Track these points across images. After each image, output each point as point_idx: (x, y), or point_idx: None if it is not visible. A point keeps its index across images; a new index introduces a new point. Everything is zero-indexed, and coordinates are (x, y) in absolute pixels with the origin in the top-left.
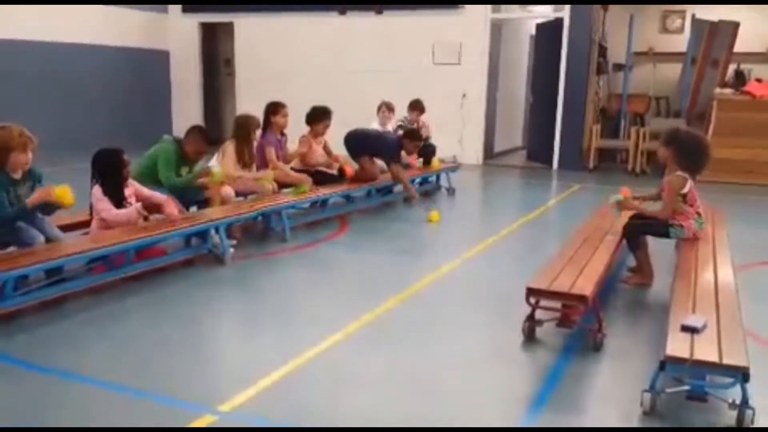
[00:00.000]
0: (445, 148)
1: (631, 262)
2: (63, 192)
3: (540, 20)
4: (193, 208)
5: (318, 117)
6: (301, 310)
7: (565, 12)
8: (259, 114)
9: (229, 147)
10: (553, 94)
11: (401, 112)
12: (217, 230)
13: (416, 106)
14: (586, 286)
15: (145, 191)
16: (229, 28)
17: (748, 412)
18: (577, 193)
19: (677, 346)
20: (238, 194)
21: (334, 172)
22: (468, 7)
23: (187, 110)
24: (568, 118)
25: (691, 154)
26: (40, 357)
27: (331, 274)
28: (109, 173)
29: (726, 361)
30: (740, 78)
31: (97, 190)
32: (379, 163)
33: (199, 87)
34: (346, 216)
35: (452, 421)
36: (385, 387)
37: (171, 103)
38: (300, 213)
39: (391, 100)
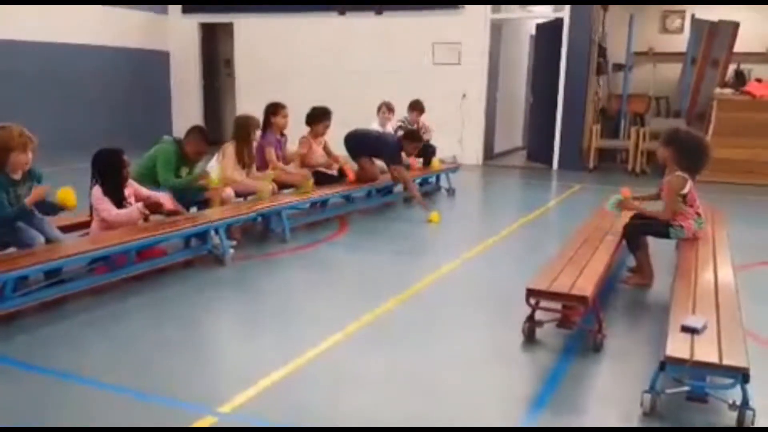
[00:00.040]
0: (445, 149)
1: (631, 262)
2: (66, 194)
3: (540, 20)
4: (193, 209)
5: (318, 117)
6: (301, 311)
7: (565, 12)
8: (259, 114)
9: (229, 148)
10: (553, 94)
11: (401, 112)
12: (217, 231)
13: (416, 107)
14: (586, 286)
15: (144, 191)
16: (228, 28)
17: (749, 413)
18: (577, 194)
19: (677, 346)
20: (238, 195)
21: (334, 172)
22: (468, 7)
23: (187, 111)
24: (568, 118)
25: (690, 155)
26: (40, 358)
27: (331, 274)
28: (109, 173)
29: (726, 361)
30: (740, 78)
31: (97, 190)
32: (379, 163)
33: (199, 87)
34: (346, 216)
35: (452, 421)
36: (385, 387)
37: (171, 104)
38: (300, 213)
39: (391, 100)
